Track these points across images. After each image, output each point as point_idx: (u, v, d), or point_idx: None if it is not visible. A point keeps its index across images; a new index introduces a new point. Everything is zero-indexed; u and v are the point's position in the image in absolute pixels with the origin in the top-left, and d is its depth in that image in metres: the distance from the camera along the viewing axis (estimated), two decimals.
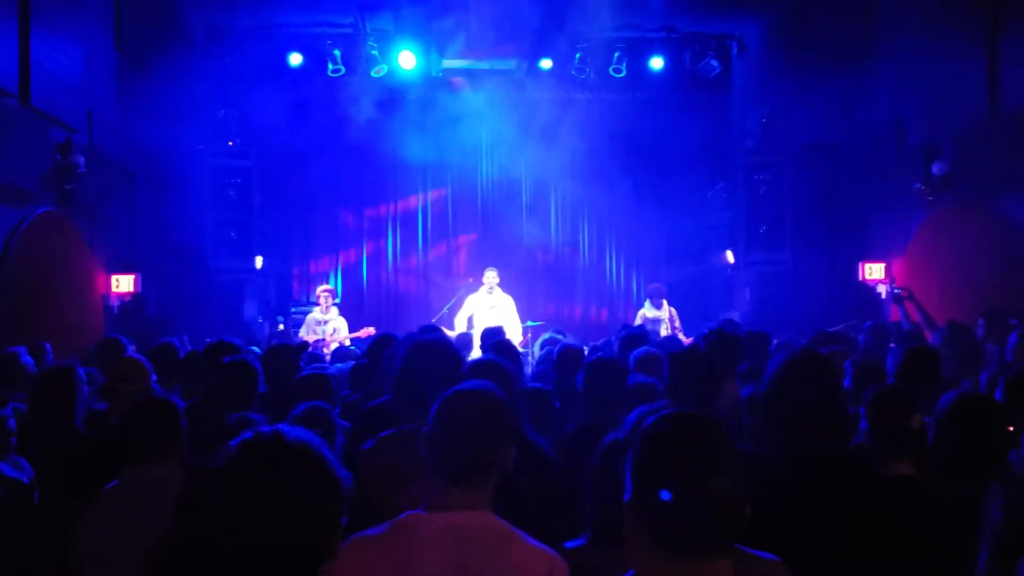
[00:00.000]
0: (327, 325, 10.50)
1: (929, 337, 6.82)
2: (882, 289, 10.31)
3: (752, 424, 3.25)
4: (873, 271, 10.43)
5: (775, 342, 6.44)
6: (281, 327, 12.14)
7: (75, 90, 8.41)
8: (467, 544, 2.02)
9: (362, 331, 10.44)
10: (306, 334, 10.41)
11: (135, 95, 9.98)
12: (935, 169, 9.09)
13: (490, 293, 10.83)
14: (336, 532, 1.44)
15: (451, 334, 9.34)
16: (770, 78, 12.07)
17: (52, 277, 8.20)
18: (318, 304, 10.91)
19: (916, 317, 7.53)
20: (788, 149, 11.68)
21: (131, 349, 5.91)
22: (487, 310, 10.64)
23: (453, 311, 11.24)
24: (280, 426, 1.47)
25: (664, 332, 10.47)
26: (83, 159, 8.27)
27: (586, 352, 5.96)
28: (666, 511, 1.50)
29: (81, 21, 8.56)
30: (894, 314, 9.86)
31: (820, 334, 6.49)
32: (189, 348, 6.91)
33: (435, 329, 4.83)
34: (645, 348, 5.25)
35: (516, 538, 2.07)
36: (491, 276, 10.90)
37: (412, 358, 3.03)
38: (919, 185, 9.34)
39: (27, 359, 5.43)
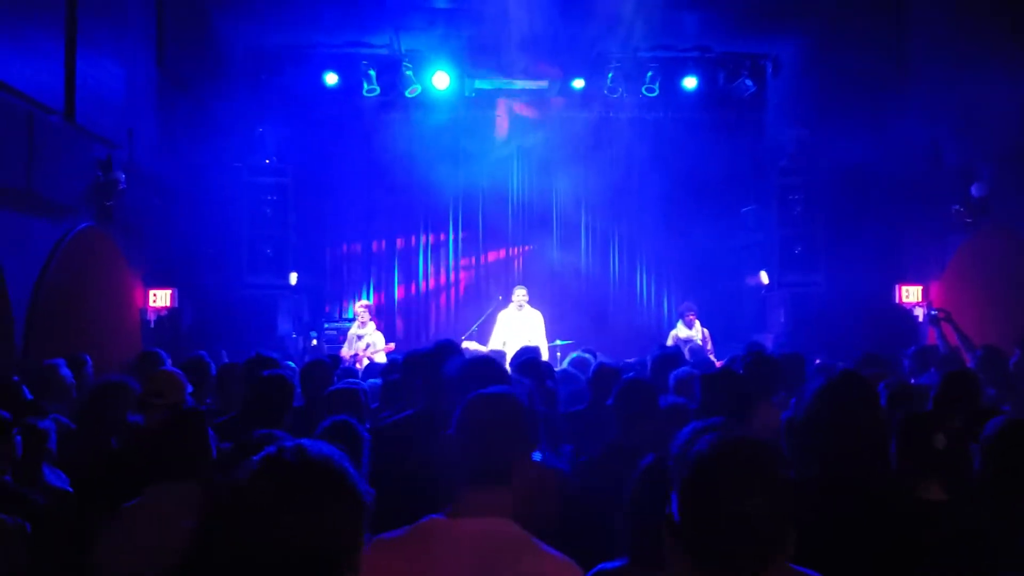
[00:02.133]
0: (362, 340, 10.59)
1: (968, 360, 6.71)
2: (919, 312, 10.18)
3: (790, 446, 3.22)
4: (910, 294, 10.30)
5: (816, 363, 6.37)
6: (314, 342, 12.24)
7: (117, 107, 8.56)
8: (488, 551, 2.01)
9: (385, 347, 10.56)
10: (346, 349, 10.53)
11: (175, 113, 10.15)
12: (974, 191, 8.98)
13: (519, 310, 10.84)
14: (357, 548, 1.43)
15: (482, 349, 9.40)
16: (805, 98, 12.01)
17: (91, 291, 8.33)
18: (355, 319, 11.03)
19: (953, 340, 7.41)
20: (822, 169, 11.59)
21: (168, 363, 5.99)
22: (517, 328, 10.65)
23: (484, 329, 11.26)
24: (303, 441, 1.47)
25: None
26: (124, 175, 8.41)
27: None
28: (713, 533, 1.50)
29: (124, 40, 8.73)
30: (931, 337, 9.73)
31: (866, 356, 6.39)
32: (226, 362, 6.96)
33: (454, 345, 4.82)
34: (686, 369, 5.21)
35: (535, 547, 2.06)
36: (520, 294, 10.93)
37: (464, 377, 3.02)
38: (958, 207, 9.23)
39: (66, 371, 5.52)
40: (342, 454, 1.47)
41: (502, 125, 14.02)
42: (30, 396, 4.70)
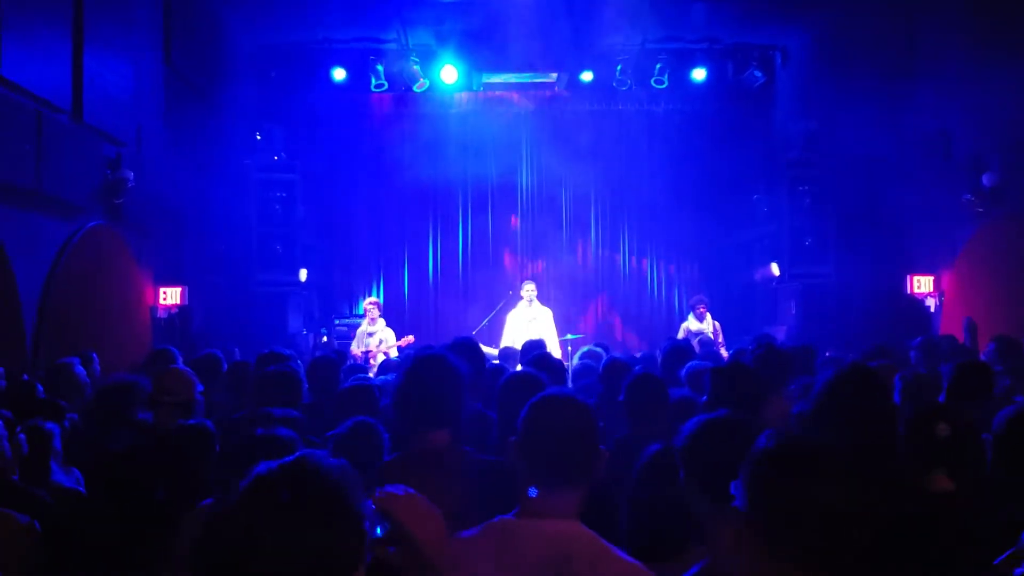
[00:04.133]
0: (373, 337, 10.58)
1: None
2: (931, 302, 10.13)
3: None
4: (921, 284, 10.26)
5: (826, 355, 6.34)
6: (324, 339, 12.25)
7: (125, 106, 8.59)
8: (561, 554, 2.00)
9: (403, 340, 10.51)
10: (356, 346, 10.51)
11: (183, 110, 10.17)
12: (985, 181, 8.92)
13: (529, 306, 10.82)
14: (359, 564, 1.39)
15: (491, 350, 9.39)
16: (814, 89, 11.95)
17: (102, 289, 8.36)
18: (364, 316, 11.01)
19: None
20: (832, 160, 11.54)
21: (179, 360, 6.00)
22: (526, 323, 10.63)
23: (494, 325, 11.25)
24: (302, 454, 1.42)
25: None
26: (132, 174, 8.43)
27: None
28: (788, 523, 1.56)
29: (131, 38, 8.75)
30: (942, 328, 9.69)
31: (874, 348, 6.36)
32: (238, 359, 6.97)
33: (472, 341, 4.81)
34: (696, 363, 5.19)
35: (610, 552, 2.05)
36: (529, 289, 10.90)
37: (413, 375, 3.05)
38: (968, 197, 9.17)
39: (80, 369, 5.53)
40: (343, 468, 1.42)
41: (510, 119, 14.00)
42: (43, 395, 4.72)
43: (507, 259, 14.35)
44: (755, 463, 1.64)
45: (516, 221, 14.36)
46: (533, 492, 2.09)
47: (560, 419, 2.12)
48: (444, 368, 2.99)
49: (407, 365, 3.11)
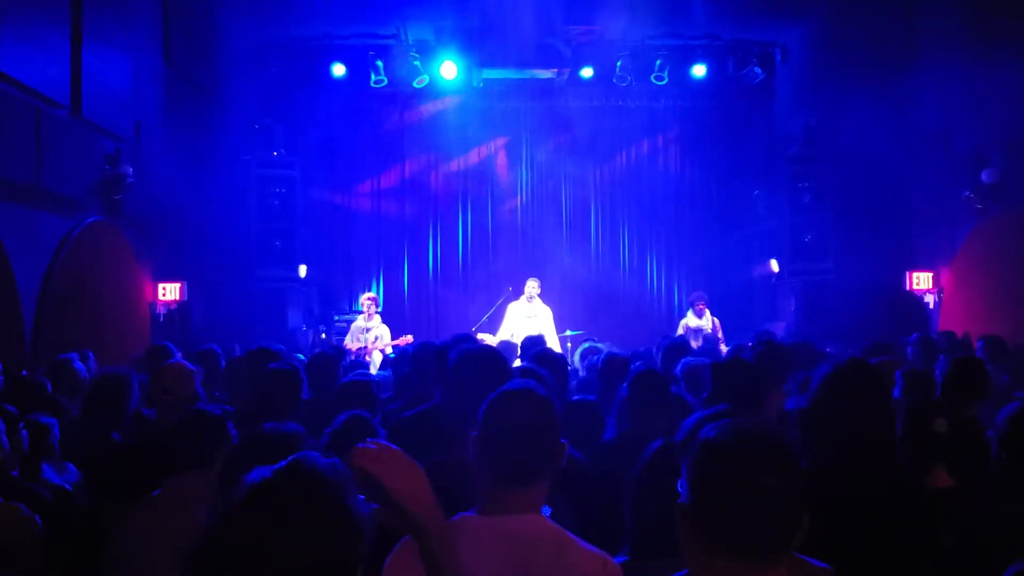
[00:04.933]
0: (370, 333, 10.57)
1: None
2: (930, 299, 10.13)
3: (801, 435, 3.21)
4: (920, 280, 10.26)
5: (825, 351, 6.35)
6: (323, 336, 12.25)
7: (124, 101, 8.57)
8: (524, 548, 2.00)
9: (401, 339, 10.49)
10: (350, 341, 10.50)
11: (182, 106, 10.16)
12: (985, 177, 8.93)
13: (530, 302, 10.81)
14: (357, 565, 1.38)
15: (491, 340, 9.37)
16: (814, 85, 11.94)
17: (101, 285, 8.35)
18: (362, 312, 10.99)
19: None
20: (832, 157, 11.54)
21: (178, 356, 5.99)
22: (525, 319, 10.63)
23: (493, 320, 11.25)
24: (301, 455, 1.41)
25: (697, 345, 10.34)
26: (131, 169, 8.42)
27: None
28: (725, 515, 1.52)
29: (130, 34, 8.73)
30: (941, 324, 9.69)
31: (873, 345, 6.37)
32: (237, 355, 6.96)
33: (471, 338, 4.81)
34: (690, 359, 5.19)
35: (572, 542, 2.05)
36: (532, 286, 10.89)
37: (463, 367, 3.03)
38: (968, 193, 9.17)
39: (79, 365, 5.53)
40: (340, 469, 1.41)
41: (510, 115, 13.99)
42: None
43: (507, 254, 14.32)
44: (694, 452, 1.60)
45: (516, 201, 14.31)
46: (493, 488, 2.08)
47: (517, 414, 2.10)
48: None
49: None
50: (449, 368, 3.11)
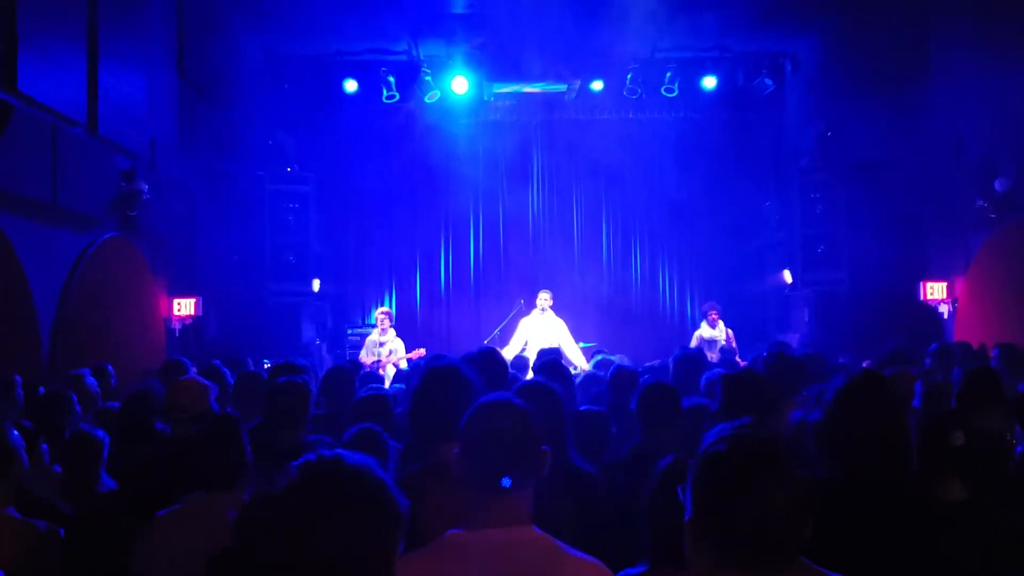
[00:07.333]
0: (384, 347, 10.60)
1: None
2: (944, 309, 10.08)
3: (814, 446, 3.21)
4: (934, 290, 10.21)
5: (838, 362, 6.32)
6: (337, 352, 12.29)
7: (139, 118, 8.64)
8: (515, 560, 2.00)
9: (414, 352, 10.51)
10: (365, 355, 10.53)
11: (197, 122, 10.24)
12: (998, 186, 8.89)
13: (542, 314, 10.81)
14: (393, 558, 1.42)
15: (505, 353, 9.37)
16: (824, 95, 11.93)
17: (116, 300, 8.41)
18: (375, 326, 11.03)
19: None
20: (843, 167, 11.52)
21: (193, 371, 6.02)
22: (539, 332, 10.62)
23: (506, 333, 11.25)
24: (340, 450, 1.46)
25: (713, 357, 10.28)
26: (147, 186, 8.49)
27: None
28: (729, 526, 1.53)
29: (145, 51, 8.80)
30: (956, 334, 9.64)
31: (891, 353, 6.32)
32: (251, 369, 6.98)
33: (490, 351, 4.81)
34: (717, 371, 5.16)
35: (563, 552, 2.05)
36: (544, 297, 10.88)
37: (426, 386, 3.06)
38: (982, 203, 9.13)
39: (91, 380, 5.58)
40: (378, 463, 1.46)
41: (521, 128, 14.04)
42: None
43: (518, 267, 14.32)
44: (700, 465, 1.62)
45: (528, 214, 14.32)
46: (478, 502, 2.09)
47: (494, 425, 2.12)
48: (456, 380, 3.00)
49: (420, 377, 3.12)
50: (414, 386, 3.14)
